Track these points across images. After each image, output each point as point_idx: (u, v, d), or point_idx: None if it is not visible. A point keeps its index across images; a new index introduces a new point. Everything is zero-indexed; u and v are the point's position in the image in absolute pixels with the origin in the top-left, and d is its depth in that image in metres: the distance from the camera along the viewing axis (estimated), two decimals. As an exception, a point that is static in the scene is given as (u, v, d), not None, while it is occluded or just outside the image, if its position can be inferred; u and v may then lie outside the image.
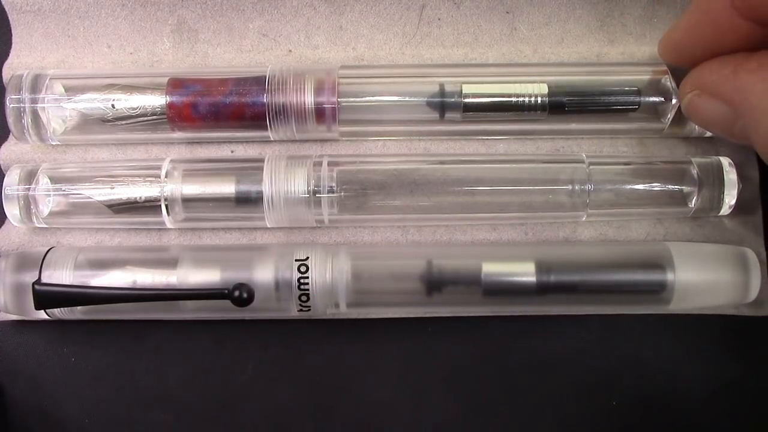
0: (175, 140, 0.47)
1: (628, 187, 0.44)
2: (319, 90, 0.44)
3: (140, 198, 0.44)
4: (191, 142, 0.47)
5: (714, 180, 0.44)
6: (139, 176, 0.44)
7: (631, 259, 0.44)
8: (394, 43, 0.48)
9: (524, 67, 0.47)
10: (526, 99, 0.44)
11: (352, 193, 0.44)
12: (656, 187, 0.44)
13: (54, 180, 0.44)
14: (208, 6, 0.47)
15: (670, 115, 0.44)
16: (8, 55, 0.48)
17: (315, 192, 0.43)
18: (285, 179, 0.43)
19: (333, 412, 0.46)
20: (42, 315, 0.43)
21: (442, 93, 0.44)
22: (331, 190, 0.43)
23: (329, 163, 0.44)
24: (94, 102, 0.44)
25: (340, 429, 0.46)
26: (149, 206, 0.44)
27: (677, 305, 0.43)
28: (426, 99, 0.45)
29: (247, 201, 0.43)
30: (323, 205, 0.43)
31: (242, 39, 0.48)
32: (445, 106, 0.44)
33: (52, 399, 0.46)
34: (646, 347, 0.46)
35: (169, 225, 0.44)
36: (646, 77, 0.45)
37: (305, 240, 0.46)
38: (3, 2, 0.47)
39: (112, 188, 0.44)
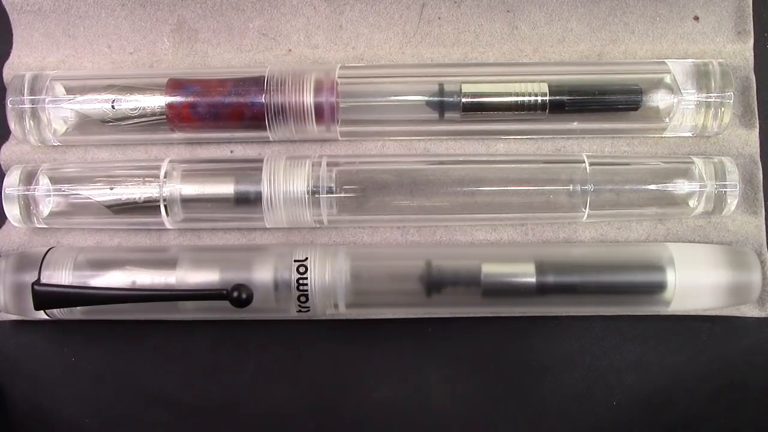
0: (175, 140, 0.47)
1: (629, 187, 0.44)
2: (318, 90, 0.44)
3: (140, 198, 0.44)
4: (190, 143, 0.47)
5: (716, 180, 0.44)
6: (138, 177, 0.44)
7: (631, 260, 0.44)
8: (394, 43, 0.48)
9: (525, 67, 0.47)
10: (526, 98, 0.44)
11: (352, 194, 0.44)
12: (657, 187, 0.44)
13: (54, 180, 0.44)
14: (208, 6, 0.47)
15: (672, 115, 0.44)
16: (9, 56, 0.48)
17: (314, 192, 0.43)
18: (284, 179, 0.43)
19: (333, 412, 0.46)
20: (42, 315, 0.44)
21: (442, 92, 0.44)
22: (330, 191, 0.43)
23: (328, 164, 0.44)
24: (94, 103, 0.44)
25: (340, 429, 0.46)
26: (148, 207, 0.44)
27: (678, 306, 0.43)
28: (425, 99, 0.44)
29: (247, 201, 0.43)
30: (322, 205, 0.43)
31: (242, 38, 0.48)
32: (444, 105, 0.44)
33: (52, 399, 0.46)
34: (646, 347, 0.46)
35: (168, 225, 0.45)
36: (648, 76, 0.45)
37: (304, 240, 0.46)
38: (3, 2, 0.47)
39: (112, 189, 0.44)
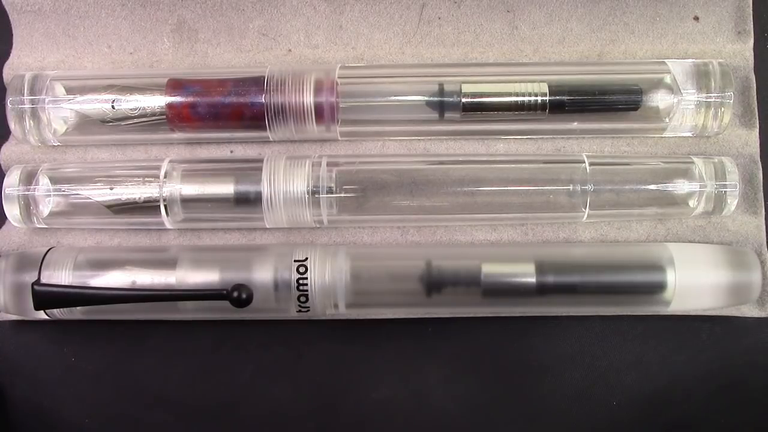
0: (175, 140, 0.47)
1: (629, 187, 0.44)
2: (318, 90, 0.44)
3: (139, 198, 0.44)
4: (190, 143, 0.47)
5: (716, 180, 0.44)
6: (138, 177, 0.44)
7: (631, 260, 0.44)
8: (394, 43, 0.48)
9: (525, 67, 0.47)
10: (526, 98, 0.44)
11: (352, 194, 0.44)
12: (657, 187, 0.44)
13: (54, 180, 0.44)
14: (208, 6, 0.47)
15: (672, 115, 0.44)
16: (9, 56, 0.48)
17: (314, 192, 0.43)
18: (284, 179, 0.43)
19: (333, 412, 0.46)
20: (42, 315, 0.44)
21: (442, 92, 0.44)
22: (330, 191, 0.43)
23: (328, 164, 0.44)
24: (94, 102, 0.44)
25: (340, 429, 0.46)
26: (148, 206, 0.44)
27: (678, 306, 0.43)
28: (425, 99, 0.44)
29: (246, 201, 0.43)
30: (322, 205, 0.43)
31: (242, 39, 0.48)
32: (444, 105, 0.44)
33: (52, 399, 0.46)
34: (646, 347, 0.46)
35: (168, 225, 0.44)
36: (648, 76, 0.45)
37: (304, 240, 0.46)
38: (3, 2, 0.47)
39: (112, 189, 0.44)
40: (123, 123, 0.45)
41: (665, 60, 0.46)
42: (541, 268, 0.43)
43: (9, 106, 0.45)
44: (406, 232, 0.46)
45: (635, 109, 0.44)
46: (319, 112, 0.44)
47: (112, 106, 0.44)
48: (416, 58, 0.48)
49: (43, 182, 0.44)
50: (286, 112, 0.44)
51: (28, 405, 0.46)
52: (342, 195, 0.44)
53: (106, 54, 0.48)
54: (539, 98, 0.44)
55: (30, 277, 0.43)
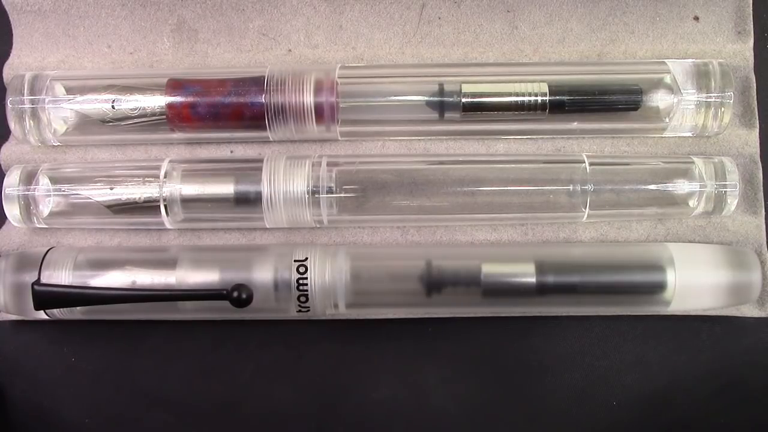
0: (175, 140, 0.47)
1: (629, 187, 0.44)
2: (318, 90, 0.44)
3: (139, 198, 0.44)
4: (190, 143, 0.47)
5: (716, 180, 0.44)
6: (138, 177, 0.44)
7: (631, 260, 0.44)
8: (394, 43, 0.48)
9: (525, 67, 0.47)
10: (526, 98, 0.44)
11: (352, 194, 0.44)
12: (657, 187, 0.44)
13: (54, 180, 0.44)
14: (208, 6, 0.47)
15: (672, 115, 0.44)
16: (9, 56, 0.48)
17: (314, 192, 0.43)
18: (284, 179, 0.43)
19: (333, 412, 0.46)
20: (42, 315, 0.44)
21: (442, 92, 0.44)
22: (330, 191, 0.43)
23: (328, 164, 0.44)
24: (94, 103, 0.44)
25: (340, 429, 0.46)
26: (148, 206, 0.44)
27: (678, 306, 0.43)
28: (425, 99, 0.44)
29: (246, 201, 0.43)
30: (322, 205, 0.43)
31: (242, 39, 0.48)
32: (444, 105, 0.44)
33: (52, 399, 0.46)
34: (646, 347, 0.46)
35: (168, 225, 0.44)
36: (648, 76, 0.45)
37: (304, 240, 0.46)
38: (3, 2, 0.47)
39: (112, 189, 0.44)
40: (123, 123, 0.45)
41: (665, 60, 0.46)
42: (541, 268, 0.43)
43: (9, 106, 0.45)
44: (406, 232, 0.46)
45: (635, 109, 0.44)
46: (319, 112, 0.44)
47: (112, 106, 0.44)
48: (416, 58, 0.48)
49: (43, 182, 0.44)
50: (286, 112, 0.44)
51: (28, 405, 0.46)
52: (342, 195, 0.44)
53: (106, 54, 0.48)
54: (539, 98, 0.44)
55: (30, 277, 0.43)
